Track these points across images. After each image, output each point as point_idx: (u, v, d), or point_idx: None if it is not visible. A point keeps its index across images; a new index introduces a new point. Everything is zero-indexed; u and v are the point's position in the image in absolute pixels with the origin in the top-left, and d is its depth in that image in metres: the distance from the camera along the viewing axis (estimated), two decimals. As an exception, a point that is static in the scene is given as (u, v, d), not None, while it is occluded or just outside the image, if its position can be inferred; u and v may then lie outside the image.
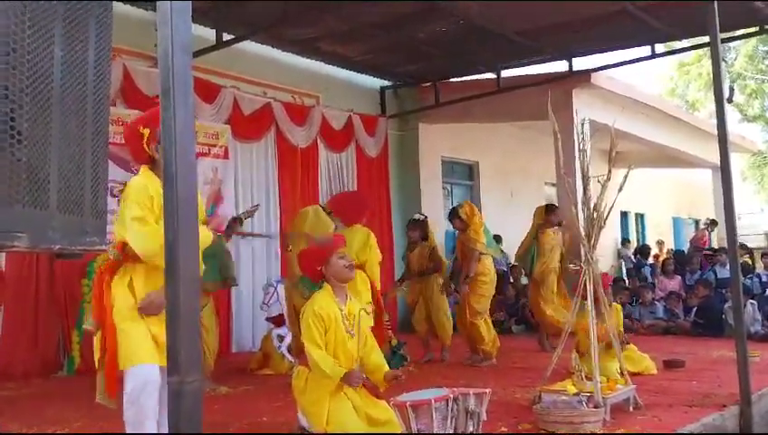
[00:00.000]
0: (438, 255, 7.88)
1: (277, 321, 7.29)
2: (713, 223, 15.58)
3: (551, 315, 8.17)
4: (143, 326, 3.11)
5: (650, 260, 15.45)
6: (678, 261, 12.95)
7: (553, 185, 12.63)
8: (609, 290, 6.62)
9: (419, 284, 7.84)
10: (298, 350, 6.50)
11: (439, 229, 12.12)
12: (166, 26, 1.75)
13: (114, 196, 7.26)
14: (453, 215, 7.77)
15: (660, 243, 17.70)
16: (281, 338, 7.06)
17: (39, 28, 1.22)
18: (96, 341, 3.20)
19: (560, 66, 10.61)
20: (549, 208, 8.58)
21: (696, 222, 21.95)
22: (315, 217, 6.54)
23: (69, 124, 1.34)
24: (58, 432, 4.68)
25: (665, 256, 15.43)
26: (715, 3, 5.13)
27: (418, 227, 8.01)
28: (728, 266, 10.92)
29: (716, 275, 11.29)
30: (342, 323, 3.92)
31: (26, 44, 1.19)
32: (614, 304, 6.61)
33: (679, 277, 11.87)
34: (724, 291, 10.06)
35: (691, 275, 11.90)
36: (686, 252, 15.38)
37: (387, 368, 4.04)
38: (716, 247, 13.69)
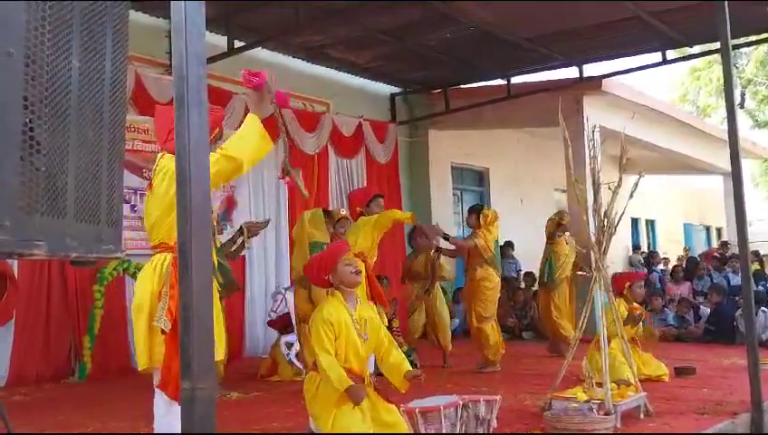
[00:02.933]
0: (440, 264, 7.95)
1: (278, 325, 7.32)
2: (724, 245, 15.57)
3: (561, 325, 8.25)
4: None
5: (668, 266, 15.40)
6: (688, 268, 12.90)
7: (564, 191, 12.62)
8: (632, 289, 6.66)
9: (420, 289, 7.90)
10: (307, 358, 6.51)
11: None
12: (180, 36, 1.78)
13: (127, 202, 7.31)
14: (474, 210, 7.72)
15: (686, 250, 17.68)
16: (289, 345, 7.08)
17: (58, 40, 1.25)
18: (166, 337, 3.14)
19: (570, 72, 10.62)
20: (560, 216, 8.63)
21: (707, 228, 21.88)
22: (312, 221, 6.58)
23: (86, 133, 1.36)
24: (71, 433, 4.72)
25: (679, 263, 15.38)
26: (726, 9, 5.12)
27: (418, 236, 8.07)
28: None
29: (729, 282, 11.23)
30: (354, 327, 3.93)
31: (45, 56, 1.21)
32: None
33: (688, 283, 11.82)
34: (737, 298, 10.01)
35: (699, 281, 11.85)
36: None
37: (408, 367, 4.02)
38: (727, 254, 13.60)
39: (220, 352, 3.35)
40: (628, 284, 6.74)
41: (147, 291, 3.19)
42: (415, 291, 7.91)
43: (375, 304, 5.70)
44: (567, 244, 8.42)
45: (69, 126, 1.29)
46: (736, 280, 10.99)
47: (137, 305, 3.23)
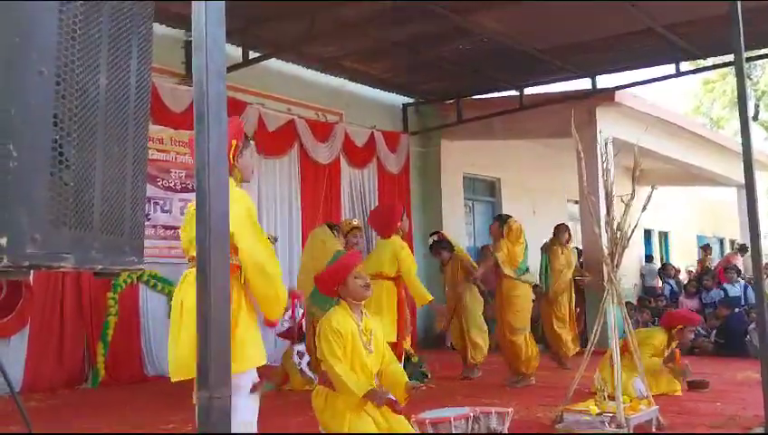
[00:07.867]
0: (465, 263, 7.97)
1: (288, 336, 7.34)
2: (742, 248, 15.41)
3: (562, 338, 8.26)
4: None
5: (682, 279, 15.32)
6: (700, 281, 12.83)
7: (576, 202, 12.60)
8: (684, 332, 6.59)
9: (453, 299, 7.89)
10: (317, 366, 6.53)
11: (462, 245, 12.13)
12: (200, 52, 1.81)
13: (141, 211, 7.34)
14: (499, 219, 7.67)
15: (700, 262, 17.58)
16: (300, 354, 7.09)
17: (86, 59, 1.29)
18: None
19: (583, 84, 10.63)
20: (555, 227, 8.69)
21: (721, 241, 21.72)
22: (321, 243, 6.65)
23: (111, 148, 1.40)
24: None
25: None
26: (740, 21, 5.11)
27: (440, 248, 8.09)
28: (737, 284, 11.02)
29: (727, 294, 11.23)
30: (360, 338, 3.95)
31: (75, 75, 1.25)
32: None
33: (698, 297, 11.79)
34: (744, 309, 10.02)
35: (707, 293, 11.79)
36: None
37: (406, 379, 4.05)
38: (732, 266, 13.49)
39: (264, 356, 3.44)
40: (681, 326, 6.54)
41: (176, 303, 3.31)
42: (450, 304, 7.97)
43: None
44: (563, 254, 8.45)
45: (96, 142, 1.33)
46: (734, 291, 11.15)
47: (171, 318, 3.38)
